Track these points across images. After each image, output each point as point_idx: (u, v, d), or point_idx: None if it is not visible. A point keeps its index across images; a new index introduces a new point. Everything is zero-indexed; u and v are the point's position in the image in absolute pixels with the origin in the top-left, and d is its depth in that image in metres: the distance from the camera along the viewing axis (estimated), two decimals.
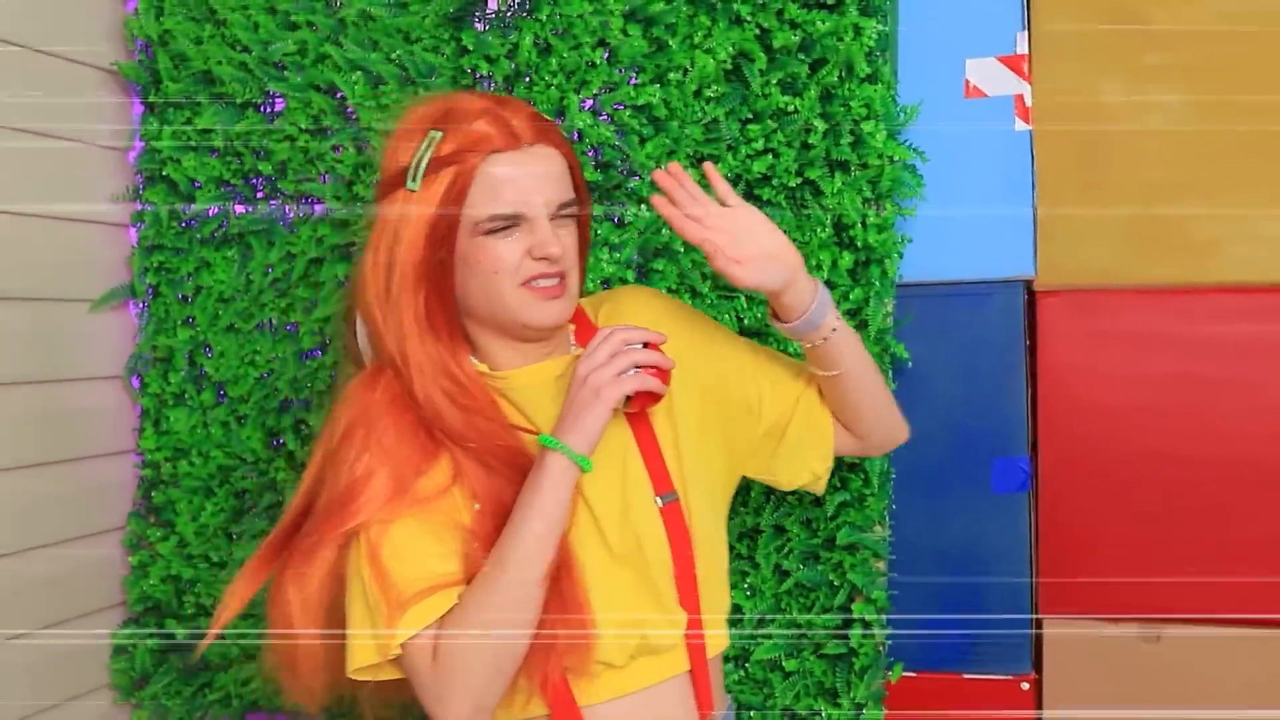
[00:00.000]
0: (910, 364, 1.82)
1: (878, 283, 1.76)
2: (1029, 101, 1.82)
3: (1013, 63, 1.80)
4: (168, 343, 2.07)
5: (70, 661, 2.01)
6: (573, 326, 1.48)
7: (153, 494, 2.08)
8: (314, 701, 1.39)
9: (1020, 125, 1.81)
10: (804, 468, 1.52)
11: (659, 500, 1.41)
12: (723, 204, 1.38)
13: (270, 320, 2.03)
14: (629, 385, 1.31)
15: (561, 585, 1.32)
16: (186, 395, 2.07)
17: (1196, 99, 2.02)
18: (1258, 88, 2.03)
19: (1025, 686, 1.83)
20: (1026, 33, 1.80)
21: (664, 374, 1.34)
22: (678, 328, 1.45)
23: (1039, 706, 1.88)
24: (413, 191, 1.35)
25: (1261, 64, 2.01)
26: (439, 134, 1.35)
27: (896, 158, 1.76)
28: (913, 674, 1.86)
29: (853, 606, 1.79)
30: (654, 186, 1.53)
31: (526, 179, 1.34)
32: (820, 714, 1.80)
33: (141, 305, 2.10)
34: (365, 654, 1.31)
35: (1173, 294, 2.03)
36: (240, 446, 2.04)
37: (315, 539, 1.33)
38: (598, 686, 1.36)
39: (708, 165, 1.40)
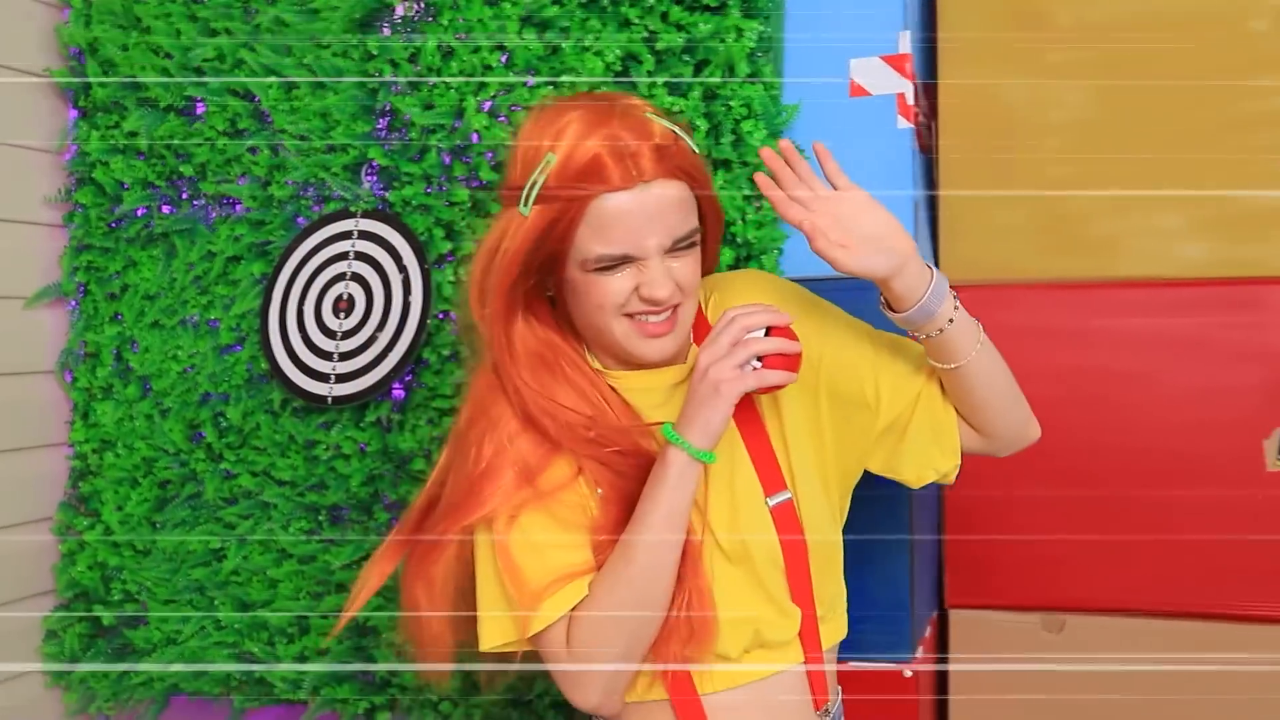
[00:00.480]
0: None
1: None
2: (910, 100, 1.85)
3: (895, 62, 1.83)
4: (96, 339, 2.15)
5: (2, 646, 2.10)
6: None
7: (81, 484, 2.16)
8: (443, 678, 1.45)
9: (902, 123, 1.84)
10: (929, 466, 1.46)
11: (770, 501, 1.38)
12: (833, 185, 1.33)
13: (192, 316, 2.10)
14: (750, 382, 1.27)
15: (685, 576, 1.32)
16: (113, 389, 2.14)
17: (1098, 98, 2.05)
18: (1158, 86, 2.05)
19: (908, 674, 1.86)
20: (909, 32, 1.84)
21: (791, 360, 1.29)
22: (790, 312, 1.37)
23: (939, 692, 1.91)
24: (523, 216, 1.30)
25: (1161, 61, 2.03)
26: (554, 159, 1.28)
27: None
28: None
29: None
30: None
31: (640, 221, 1.28)
32: None
33: (73, 303, 2.18)
34: (499, 635, 1.34)
35: (1075, 288, 2.06)
36: (163, 439, 2.11)
37: (443, 528, 1.34)
38: (715, 676, 1.37)
39: (818, 144, 1.33)
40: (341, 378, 1.96)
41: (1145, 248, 2.02)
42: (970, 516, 2.12)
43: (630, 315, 1.33)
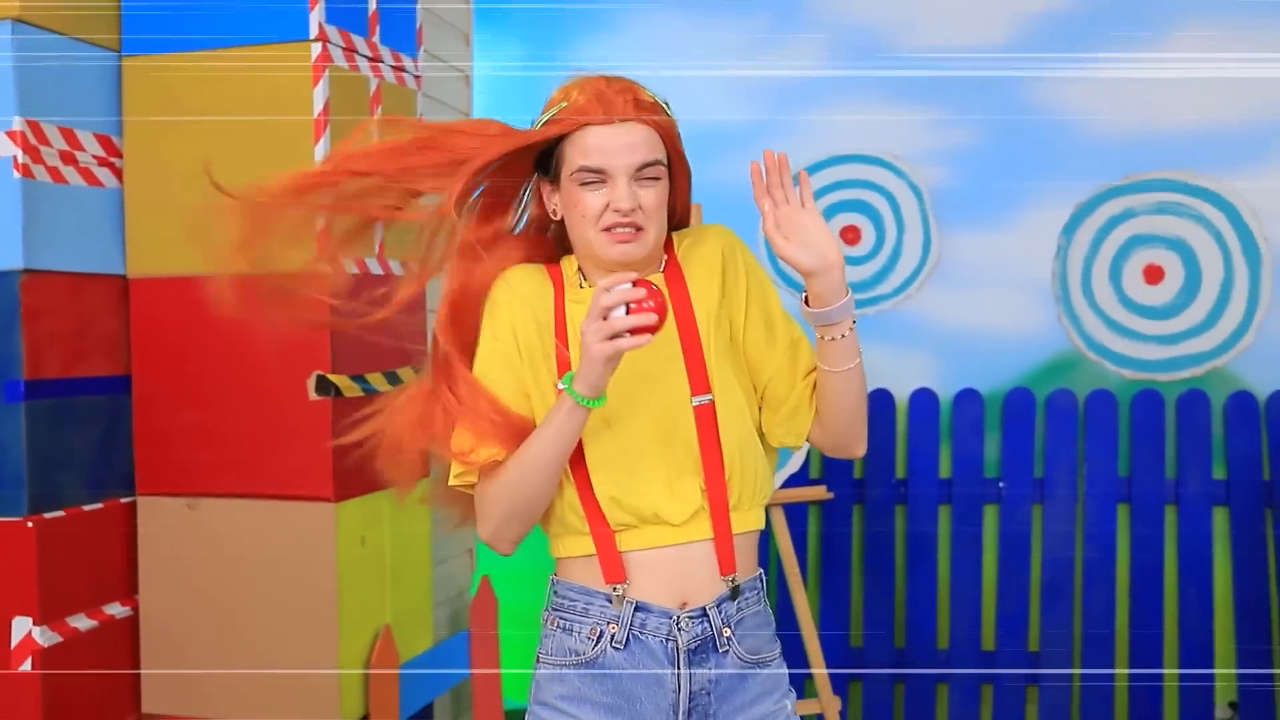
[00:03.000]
0: None
1: None
2: (22, 159, 2.86)
3: (12, 135, 2.85)
4: None
5: None
6: (665, 258, 1.81)
7: None
8: (410, 481, 1.90)
9: (15, 175, 2.85)
10: (782, 436, 1.81)
11: (694, 401, 1.73)
12: (803, 201, 1.69)
13: None
14: (609, 349, 1.60)
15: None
16: None
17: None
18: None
19: (30, 525, 2.87)
20: (19, 117, 2.85)
21: (650, 326, 1.59)
22: (731, 271, 1.79)
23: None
24: (531, 126, 1.77)
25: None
26: (565, 103, 1.73)
27: None
28: None
29: None
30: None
31: (612, 146, 1.68)
32: None
33: None
34: (455, 479, 1.78)
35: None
36: None
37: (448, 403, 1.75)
38: (636, 537, 1.73)
39: (803, 172, 1.75)
40: None
41: None
42: (157, 429, 3.11)
43: (604, 229, 1.70)
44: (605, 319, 1.60)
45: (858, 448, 1.81)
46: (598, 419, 1.71)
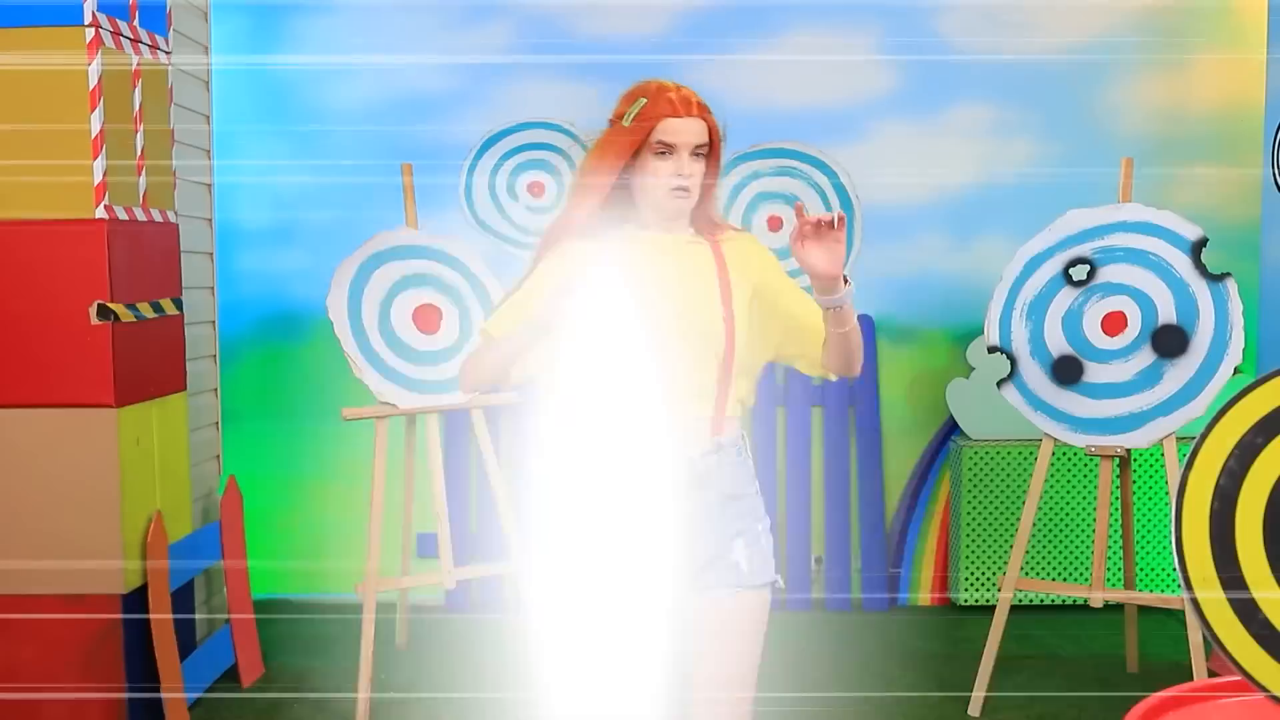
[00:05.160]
0: None
1: None
2: None
3: None
4: None
5: None
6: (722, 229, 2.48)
7: None
8: None
9: None
10: (802, 363, 2.51)
11: (721, 309, 2.39)
12: (837, 236, 2.28)
13: None
14: None
15: None
16: None
17: None
18: None
19: None
20: None
21: None
22: (766, 264, 2.49)
23: None
24: (625, 126, 2.36)
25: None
26: (645, 100, 2.35)
27: None
28: None
29: None
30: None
31: (682, 130, 2.33)
32: None
33: None
34: None
35: None
36: None
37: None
38: None
39: (839, 212, 2.30)
40: None
41: None
42: None
43: (671, 189, 2.35)
44: None
45: (855, 371, 2.50)
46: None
